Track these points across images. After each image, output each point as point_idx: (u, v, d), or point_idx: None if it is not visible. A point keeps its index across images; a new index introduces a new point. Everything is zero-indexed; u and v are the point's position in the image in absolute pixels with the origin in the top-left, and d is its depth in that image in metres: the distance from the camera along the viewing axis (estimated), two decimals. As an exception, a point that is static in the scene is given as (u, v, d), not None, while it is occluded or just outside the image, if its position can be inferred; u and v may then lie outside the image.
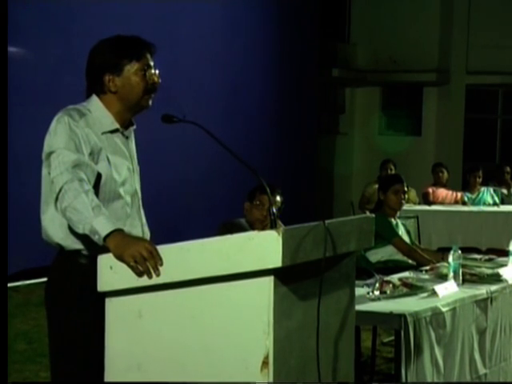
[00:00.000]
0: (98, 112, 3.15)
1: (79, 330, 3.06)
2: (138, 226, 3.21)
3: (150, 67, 3.19)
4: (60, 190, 2.92)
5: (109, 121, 3.16)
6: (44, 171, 3.08)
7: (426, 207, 10.14)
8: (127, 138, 3.25)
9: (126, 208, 3.16)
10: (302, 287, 2.81)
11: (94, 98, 3.19)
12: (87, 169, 3.01)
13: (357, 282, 3.32)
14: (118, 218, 3.10)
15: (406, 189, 6.32)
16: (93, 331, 3.02)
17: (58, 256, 3.15)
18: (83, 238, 3.03)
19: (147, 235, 3.24)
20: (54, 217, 3.06)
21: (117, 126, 3.18)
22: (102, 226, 2.83)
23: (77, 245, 3.07)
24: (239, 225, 5.21)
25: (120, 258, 2.80)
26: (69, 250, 3.09)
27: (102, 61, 3.16)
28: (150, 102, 3.22)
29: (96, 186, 3.05)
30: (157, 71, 3.22)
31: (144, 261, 2.76)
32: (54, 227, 3.08)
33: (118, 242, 2.81)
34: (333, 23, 15.65)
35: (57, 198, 2.94)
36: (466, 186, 10.90)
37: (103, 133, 3.13)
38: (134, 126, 3.28)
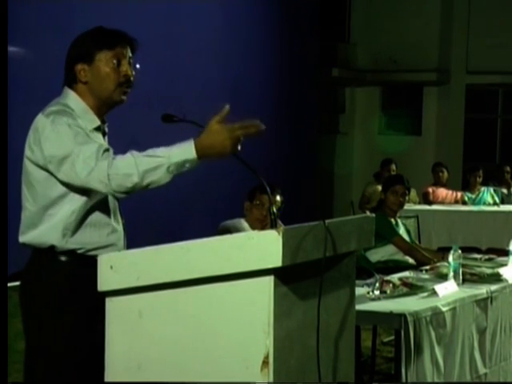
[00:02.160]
0: (79, 109, 3.06)
1: (61, 331, 3.02)
2: (120, 221, 3.19)
3: (124, 58, 3.09)
4: (108, 178, 2.78)
5: (91, 117, 3.09)
6: (41, 174, 3.00)
7: (426, 207, 10.15)
8: (105, 134, 3.18)
9: (110, 203, 3.11)
10: (302, 287, 2.81)
11: (70, 93, 3.10)
12: (110, 151, 2.92)
13: (357, 281, 3.32)
14: (106, 213, 3.08)
15: (407, 191, 6.32)
16: (75, 332, 3.01)
17: (33, 257, 3.09)
18: (78, 238, 3.02)
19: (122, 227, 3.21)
20: (55, 217, 3.02)
21: (98, 122, 3.11)
22: (182, 155, 2.79)
23: (72, 245, 3.03)
24: (239, 225, 5.21)
25: (224, 154, 2.84)
26: (43, 249, 3.03)
27: (77, 50, 3.10)
28: (124, 98, 3.12)
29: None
30: (137, 66, 3.13)
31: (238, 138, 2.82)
32: (54, 228, 3.02)
33: (206, 149, 2.81)
34: (333, 23, 15.64)
35: (109, 187, 2.81)
36: (466, 185, 10.91)
37: (89, 130, 3.04)
38: (107, 123, 3.20)
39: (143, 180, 2.80)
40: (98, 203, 3.04)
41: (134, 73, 3.13)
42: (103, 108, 3.14)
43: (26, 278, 3.14)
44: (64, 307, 3.02)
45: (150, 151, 2.83)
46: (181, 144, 2.83)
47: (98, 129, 3.11)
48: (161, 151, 2.81)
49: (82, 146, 2.87)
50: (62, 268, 3.03)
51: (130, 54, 3.14)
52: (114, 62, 3.07)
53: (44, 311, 3.05)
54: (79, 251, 3.04)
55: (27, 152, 3.04)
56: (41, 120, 2.99)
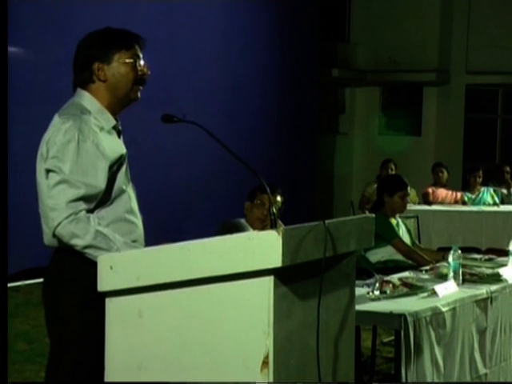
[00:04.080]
0: (94, 110, 3.10)
1: (85, 329, 3.05)
2: (139, 216, 3.22)
3: (139, 58, 3.17)
4: (59, 224, 2.93)
5: (107, 116, 3.13)
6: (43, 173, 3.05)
7: (426, 207, 10.14)
8: (120, 133, 3.21)
9: (129, 200, 3.15)
10: (302, 287, 2.81)
11: (85, 94, 3.14)
12: (91, 198, 3.00)
13: (357, 281, 3.32)
14: (126, 210, 3.12)
15: (409, 192, 6.38)
16: (98, 330, 3.02)
17: (56, 255, 3.11)
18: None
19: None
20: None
21: (114, 121, 3.16)
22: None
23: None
24: (239, 225, 5.21)
25: None
26: (67, 249, 3.05)
27: (91, 51, 3.14)
28: (139, 95, 3.19)
29: (110, 187, 3.06)
30: (146, 64, 3.20)
31: None
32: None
33: None
34: (333, 23, 15.64)
35: (54, 230, 2.95)
36: (466, 185, 10.91)
37: (107, 130, 3.10)
38: (120, 122, 3.25)
39: (84, 248, 2.96)
40: (123, 201, 3.10)
41: (149, 71, 3.20)
42: (118, 107, 3.19)
43: (50, 277, 3.14)
44: (89, 305, 3.02)
45: (117, 237, 3.01)
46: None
47: (114, 128, 3.16)
48: (121, 243, 2.99)
49: (76, 177, 2.96)
50: (86, 266, 3.03)
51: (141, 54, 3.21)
52: (132, 61, 3.15)
53: (69, 310, 3.06)
54: None
55: (39, 149, 3.10)
56: (57, 124, 3.05)
